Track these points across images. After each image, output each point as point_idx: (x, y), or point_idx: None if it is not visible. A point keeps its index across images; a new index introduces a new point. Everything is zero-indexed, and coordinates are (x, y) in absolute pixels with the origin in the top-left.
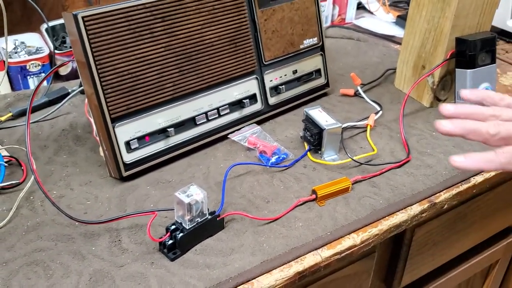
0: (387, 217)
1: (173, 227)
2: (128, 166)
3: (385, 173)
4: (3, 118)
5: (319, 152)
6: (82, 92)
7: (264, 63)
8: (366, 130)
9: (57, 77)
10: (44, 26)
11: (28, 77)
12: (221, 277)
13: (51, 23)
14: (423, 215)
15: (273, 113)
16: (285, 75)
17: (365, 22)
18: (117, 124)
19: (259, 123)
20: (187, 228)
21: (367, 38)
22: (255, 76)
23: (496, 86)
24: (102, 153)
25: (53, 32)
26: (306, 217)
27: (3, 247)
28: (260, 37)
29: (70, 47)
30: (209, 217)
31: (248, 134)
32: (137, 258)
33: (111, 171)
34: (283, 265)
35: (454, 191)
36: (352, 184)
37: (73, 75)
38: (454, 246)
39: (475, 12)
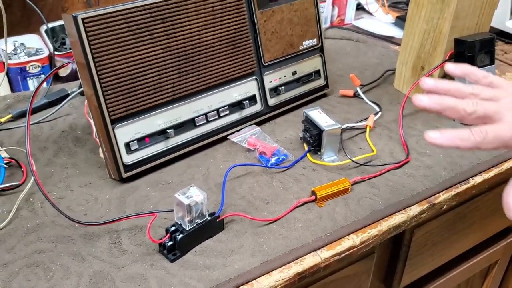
0: (386, 218)
1: (173, 228)
2: (128, 168)
3: (384, 174)
4: (2, 120)
5: (319, 153)
6: (81, 93)
7: (264, 64)
8: (365, 131)
9: (57, 78)
10: (43, 28)
11: (28, 78)
12: (220, 278)
13: (51, 25)
14: (422, 215)
15: (273, 114)
16: (285, 76)
17: (364, 23)
18: (117, 126)
19: (258, 124)
20: (187, 229)
21: (367, 39)
22: (254, 77)
23: None
24: (102, 155)
25: (52, 34)
26: (305, 218)
27: (3, 249)
28: (260, 38)
29: (70, 49)
30: (209, 218)
31: (247, 135)
32: (137, 260)
33: (111, 173)
34: (282, 266)
35: (453, 191)
36: (352, 185)
37: (72, 77)
38: (454, 247)
39: (474, 13)
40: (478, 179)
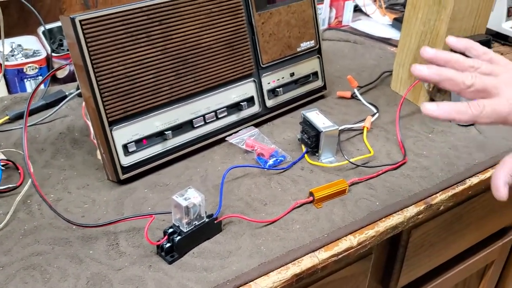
0: (383, 219)
1: (170, 230)
2: (125, 169)
3: (381, 175)
4: (0, 121)
5: (317, 154)
6: (79, 95)
7: (262, 66)
8: (362, 132)
9: (54, 80)
10: (41, 29)
11: (25, 80)
12: (218, 279)
13: (48, 26)
14: (419, 216)
15: (271, 115)
16: (283, 77)
17: (362, 24)
18: (114, 127)
19: (256, 125)
20: (185, 231)
21: (364, 41)
22: (252, 79)
23: None
24: (99, 156)
25: (50, 35)
26: (303, 219)
27: (0, 251)
28: (258, 40)
29: (67, 50)
30: (207, 220)
31: (246, 137)
32: (134, 261)
33: (109, 174)
34: (280, 267)
35: (450, 192)
36: (349, 186)
37: (70, 78)
38: (450, 247)
39: (471, 15)
40: (474, 180)
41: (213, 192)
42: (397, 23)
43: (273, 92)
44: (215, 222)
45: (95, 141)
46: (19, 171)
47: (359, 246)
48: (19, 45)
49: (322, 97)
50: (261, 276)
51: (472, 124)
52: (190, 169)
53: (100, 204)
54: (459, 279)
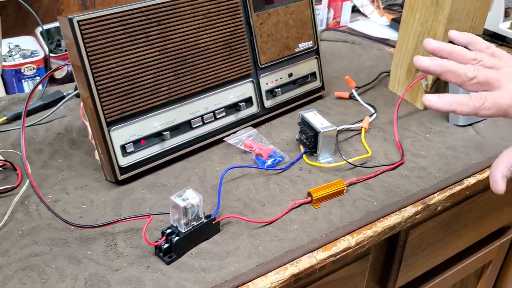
0: (381, 219)
1: (168, 230)
2: (123, 170)
3: (379, 175)
4: None
5: (315, 154)
6: (77, 95)
7: (260, 66)
8: (360, 133)
9: (52, 80)
10: (39, 29)
11: (23, 80)
12: (216, 280)
13: (46, 26)
14: (417, 216)
15: (269, 116)
16: (281, 78)
17: (360, 25)
18: (112, 128)
19: (255, 126)
20: (183, 231)
21: (362, 41)
22: (251, 79)
23: None
24: (97, 157)
25: (48, 35)
26: (301, 219)
27: None
28: (256, 41)
29: (65, 50)
30: (205, 220)
31: (244, 137)
32: (132, 262)
33: (107, 175)
34: (278, 267)
35: (448, 192)
36: (347, 186)
37: (68, 79)
38: (448, 247)
39: (468, 16)
40: (472, 180)
41: (211, 193)
42: (395, 23)
43: (271, 92)
44: (213, 222)
45: (93, 142)
46: (17, 171)
47: (357, 246)
48: (17, 46)
49: (320, 97)
50: (259, 277)
51: (470, 124)
52: (188, 169)
53: (98, 204)
54: (457, 279)
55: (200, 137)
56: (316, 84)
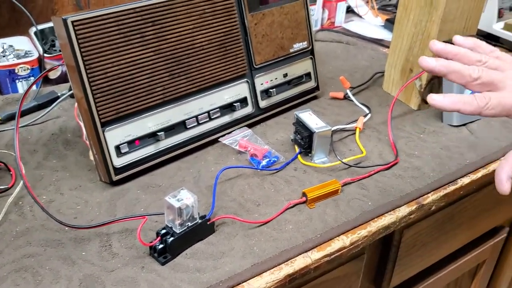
0: (375, 219)
1: (163, 231)
2: (118, 171)
3: (373, 175)
4: None
5: (310, 155)
6: (71, 96)
7: (255, 66)
8: (355, 133)
9: (47, 80)
10: (33, 30)
11: (17, 81)
12: (211, 280)
13: (40, 27)
14: (411, 216)
15: (264, 116)
16: (276, 78)
17: (354, 25)
18: (107, 128)
19: (250, 126)
20: (178, 232)
21: (356, 42)
22: (245, 79)
23: None
24: (92, 157)
25: (42, 36)
26: (296, 219)
27: None
28: (251, 41)
29: (60, 51)
30: (200, 221)
31: (239, 138)
32: (127, 263)
33: (101, 176)
34: (273, 267)
35: (442, 192)
36: (342, 186)
37: (62, 79)
38: (442, 247)
39: (462, 16)
40: (466, 180)
41: (206, 193)
42: (389, 24)
43: (266, 92)
44: (208, 223)
45: (87, 142)
46: (11, 172)
47: (351, 246)
48: (11, 46)
49: (315, 97)
50: (254, 277)
51: (464, 125)
52: (183, 170)
53: (92, 205)
54: (451, 278)
55: (195, 138)
56: (311, 84)
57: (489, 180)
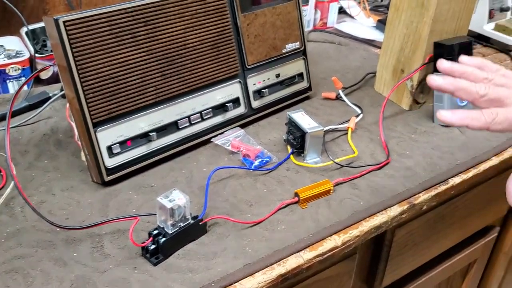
0: (367, 219)
1: (155, 232)
2: (110, 171)
3: (365, 175)
4: None
5: (302, 155)
6: (63, 96)
7: (247, 67)
8: (347, 133)
9: (38, 81)
10: (24, 30)
11: (8, 81)
12: (203, 281)
13: (32, 27)
14: (402, 216)
15: (257, 116)
16: (268, 78)
17: (346, 26)
18: (99, 129)
19: (242, 126)
20: (170, 232)
21: (348, 42)
22: (238, 80)
23: None
24: (84, 158)
25: (33, 36)
26: (288, 219)
27: None
28: (243, 41)
29: (51, 51)
30: (192, 221)
31: (231, 138)
32: (119, 263)
33: (93, 176)
34: (265, 268)
35: (433, 192)
36: (334, 186)
37: (54, 79)
38: (434, 246)
39: (453, 17)
40: (457, 180)
41: (199, 194)
42: (381, 25)
43: (258, 93)
44: (200, 223)
45: (79, 143)
46: (1, 173)
47: (343, 246)
48: (1, 46)
49: (307, 98)
50: (247, 277)
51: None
52: (175, 170)
53: (84, 206)
54: (442, 277)
55: (187, 138)
56: (303, 84)
57: (480, 180)
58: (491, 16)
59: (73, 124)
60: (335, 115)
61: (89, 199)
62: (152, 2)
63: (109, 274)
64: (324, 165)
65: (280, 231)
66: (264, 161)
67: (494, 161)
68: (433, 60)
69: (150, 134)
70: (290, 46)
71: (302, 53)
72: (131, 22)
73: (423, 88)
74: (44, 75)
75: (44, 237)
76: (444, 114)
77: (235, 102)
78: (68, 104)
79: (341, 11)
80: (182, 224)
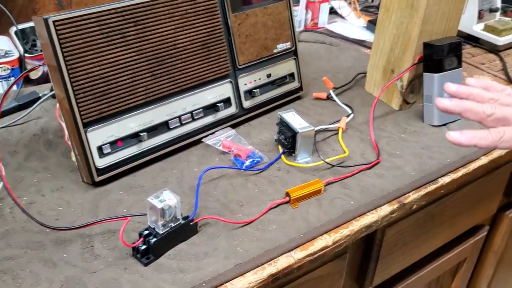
0: (358, 218)
1: (146, 232)
2: (100, 171)
3: (356, 175)
4: None
5: (293, 155)
6: (53, 96)
7: (238, 67)
8: (338, 133)
9: (28, 81)
10: (13, 29)
11: None
12: (194, 281)
13: (21, 26)
14: (393, 215)
15: (248, 116)
16: (259, 79)
17: (337, 26)
18: (89, 129)
19: (233, 126)
20: (160, 233)
21: (339, 43)
22: (229, 80)
23: None
24: (74, 158)
25: (23, 35)
26: (279, 219)
27: None
28: (234, 41)
29: (41, 51)
30: (183, 222)
31: (222, 138)
32: (110, 264)
33: (83, 177)
34: (256, 267)
35: (423, 191)
36: (325, 186)
37: (44, 79)
38: (424, 246)
39: (442, 18)
40: (446, 179)
41: (189, 194)
42: (371, 25)
43: (250, 93)
44: (191, 223)
45: (69, 143)
46: None
47: (334, 245)
48: None
49: (298, 98)
50: (237, 277)
51: (444, 124)
52: (166, 170)
53: (74, 206)
54: (432, 277)
55: (177, 138)
56: (295, 84)
57: (469, 179)
58: (480, 17)
59: (63, 124)
60: (326, 115)
61: (79, 200)
62: (142, 2)
63: (100, 275)
64: (315, 165)
65: (271, 231)
66: (255, 161)
67: (483, 160)
68: (423, 60)
69: (141, 134)
70: (281, 46)
71: (293, 53)
72: (121, 22)
73: (413, 88)
74: (34, 75)
75: (34, 238)
76: (453, 135)
77: (226, 102)
78: (58, 104)
79: (332, 11)
80: (172, 225)
